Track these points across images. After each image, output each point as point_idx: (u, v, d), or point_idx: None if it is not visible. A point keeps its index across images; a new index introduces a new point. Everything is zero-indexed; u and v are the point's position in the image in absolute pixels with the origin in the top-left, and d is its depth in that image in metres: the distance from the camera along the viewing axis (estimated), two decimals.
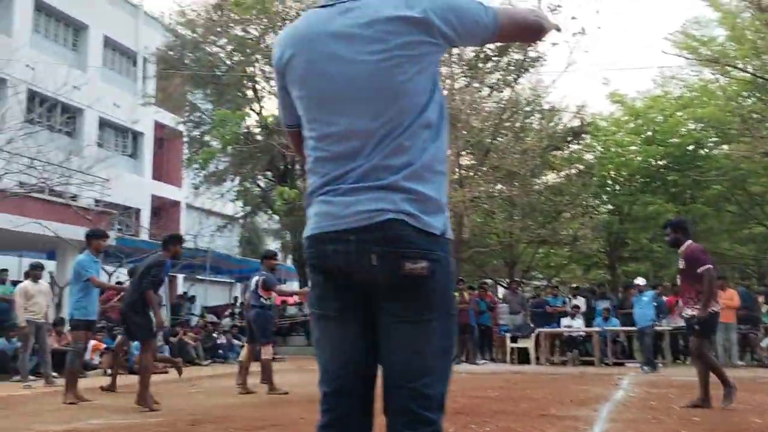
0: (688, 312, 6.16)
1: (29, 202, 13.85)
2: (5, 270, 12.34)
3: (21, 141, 12.89)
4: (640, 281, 12.70)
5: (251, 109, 19.59)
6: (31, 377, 9.75)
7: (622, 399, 7.23)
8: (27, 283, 9.90)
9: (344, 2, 1.71)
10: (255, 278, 8.32)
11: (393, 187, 1.62)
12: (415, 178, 1.64)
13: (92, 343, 11.68)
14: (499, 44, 14.98)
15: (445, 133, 1.74)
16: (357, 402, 1.71)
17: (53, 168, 14.61)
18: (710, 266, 6.04)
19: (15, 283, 12.14)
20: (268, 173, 21.38)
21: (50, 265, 14.59)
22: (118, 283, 15.26)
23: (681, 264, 6.34)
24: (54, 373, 9.98)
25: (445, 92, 15.36)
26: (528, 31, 1.84)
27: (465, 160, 17.63)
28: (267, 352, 8.04)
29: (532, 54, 16.79)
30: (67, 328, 10.95)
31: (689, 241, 6.32)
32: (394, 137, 1.64)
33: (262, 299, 8.05)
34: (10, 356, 10.30)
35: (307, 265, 1.77)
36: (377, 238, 1.61)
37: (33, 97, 17.58)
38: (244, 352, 8.83)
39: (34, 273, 9.98)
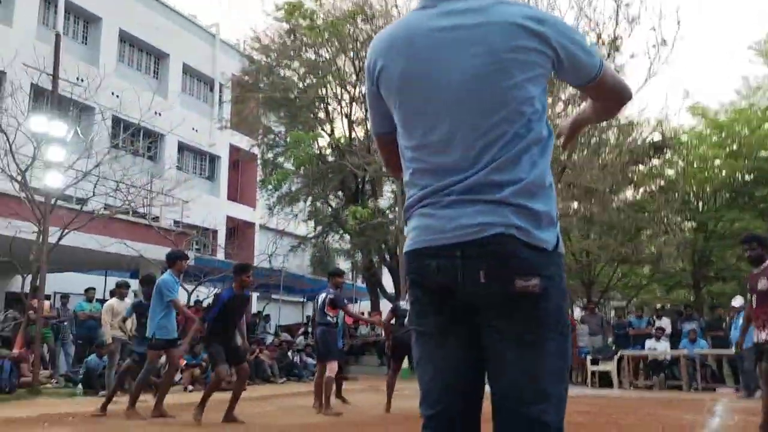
0: (763, 336, 5.66)
1: (114, 223, 14.44)
2: (92, 288, 12.85)
3: (107, 165, 13.45)
4: (737, 302, 11.96)
5: (323, 130, 19.88)
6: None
7: (720, 427, 6.77)
8: (113, 301, 10.26)
9: (447, 2, 1.62)
10: (322, 295, 8.29)
11: (502, 202, 1.52)
12: (525, 194, 1.53)
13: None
14: None
15: (551, 148, 1.64)
16: (461, 426, 1.60)
17: (137, 190, 15.19)
18: None
19: (101, 302, 12.63)
20: (340, 193, 21.61)
21: (133, 284, 15.11)
22: (197, 301, 15.70)
23: (763, 284, 5.75)
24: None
25: None
26: (620, 94, 1.76)
27: None
28: (330, 369, 7.93)
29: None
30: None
31: None
32: (500, 147, 1.54)
33: (328, 317, 8.01)
34: (98, 372, 10.66)
35: (407, 280, 1.68)
36: (485, 254, 1.51)
37: (118, 123, 18.42)
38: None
39: (120, 291, 10.32)
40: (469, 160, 1.56)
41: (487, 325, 1.56)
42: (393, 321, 8.30)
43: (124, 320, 8.76)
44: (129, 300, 10.76)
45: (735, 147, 20.91)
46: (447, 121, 1.58)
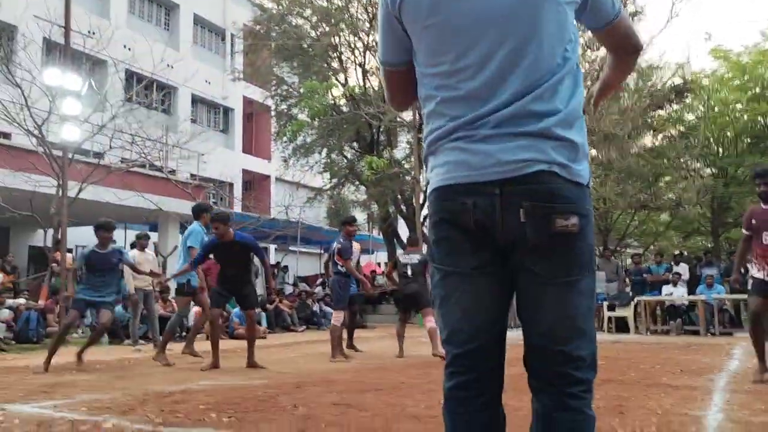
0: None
1: (132, 176, 14.53)
2: (114, 241, 12.96)
3: (122, 118, 13.46)
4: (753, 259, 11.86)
5: (337, 80, 19.64)
6: (141, 342, 10.28)
7: (739, 369, 6.80)
8: (135, 253, 10.38)
9: None
10: (334, 244, 8.32)
11: (543, 134, 1.46)
12: (565, 125, 1.48)
13: (195, 309, 12.20)
14: None
15: (582, 80, 1.58)
16: (490, 363, 1.60)
17: (152, 144, 15.23)
18: None
19: None
20: (355, 144, 21.49)
21: (153, 237, 15.29)
22: None
23: None
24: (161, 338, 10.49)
25: None
26: (633, 40, 1.70)
27: None
28: (336, 318, 8.02)
29: (629, 8, 15.87)
30: (172, 294, 11.43)
31: None
32: (541, 75, 1.47)
33: (338, 266, 8.04)
34: (121, 323, 10.89)
35: (433, 218, 1.62)
36: (526, 192, 1.46)
37: (131, 76, 18.33)
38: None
39: (140, 242, 10.43)
40: (506, 87, 1.48)
41: (523, 266, 1.53)
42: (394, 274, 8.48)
43: (75, 273, 7.78)
44: (150, 251, 10.90)
45: (757, 90, 20.40)
46: (486, 43, 1.49)
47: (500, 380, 1.63)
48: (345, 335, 9.03)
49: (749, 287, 5.78)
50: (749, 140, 21.12)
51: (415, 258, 8.75)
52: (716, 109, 20.66)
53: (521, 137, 1.46)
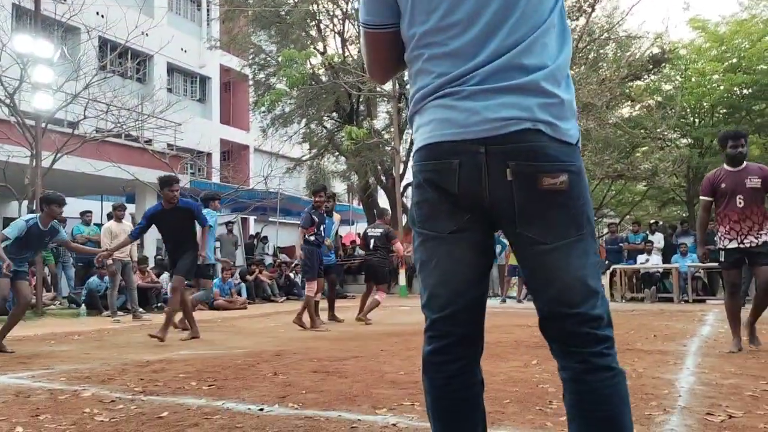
0: (763, 237, 5.26)
1: (107, 146, 14.29)
2: (89, 211, 12.83)
3: (96, 87, 13.17)
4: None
5: (315, 49, 19.40)
6: (119, 312, 10.24)
7: (711, 334, 6.96)
8: (111, 224, 10.30)
9: None
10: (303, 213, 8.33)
11: (527, 88, 1.42)
12: (552, 80, 1.44)
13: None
14: None
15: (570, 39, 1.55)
16: (468, 328, 1.59)
17: (128, 113, 14.96)
18: None
19: (99, 225, 12.67)
20: (334, 114, 21.34)
21: (130, 208, 15.12)
22: None
23: (755, 183, 5.28)
24: (140, 309, 10.48)
25: None
26: None
27: None
28: (309, 288, 8.01)
29: None
30: (150, 266, 11.37)
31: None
32: (529, 28, 1.44)
33: (306, 236, 8.01)
34: (99, 294, 10.82)
35: (416, 179, 1.57)
36: (511, 151, 1.42)
37: (105, 44, 17.91)
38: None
39: (117, 213, 10.33)
40: (494, 41, 1.44)
41: (519, 233, 1.49)
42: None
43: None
44: (127, 222, 10.79)
45: (734, 61, 20.54)
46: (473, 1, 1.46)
47: (478, 346, 1.62)
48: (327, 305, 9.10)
49: (722, 260, 5.47)
50: (725, 111, 21.33)
51: (377, 231, 8.90)
52: (693, 79, 20.78)
53: (506, 93, 1.43)
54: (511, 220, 1.48)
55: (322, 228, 8.18)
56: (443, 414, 1.60)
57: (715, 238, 5.54)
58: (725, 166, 5.44)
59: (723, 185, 5.38)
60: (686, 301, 12.83)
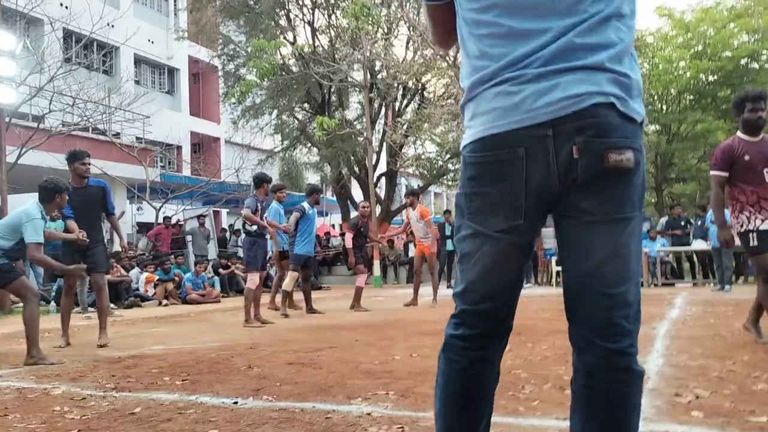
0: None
1: (74, 140, 14.03)
2: None
3: (62, 80, 12.92)
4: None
5: (285, 39, 19.23)
6: (90, 309, 10.08)
7: (680, 317, 7.11)
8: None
9: None
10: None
11: (597, 67, 1.37)
12: (616, 59, 1.40)
13: (145, 275, 12.03)
14: None
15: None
16: (498, 323, 1.55)
17: (94, 106, 14.70)
18: None
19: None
20: (306, 105, 21.20)
21: None
22: (166, 218, 15.58)
23: None
24: (111, 304, 10.32)
25: None
26: None
27: None
28: (251, 281, 7.68)
29: None
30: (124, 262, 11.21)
31: None
32: (591, 4, 1.39)
33: (248, 225, 7.79)
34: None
35: (470, 171, 1.50)
36: (580, 128, 1.37)
37: (69, 35, 17.55)
38: (286, 281, 8.99)
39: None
40: (556, 18, 1.38)
41: (570, 207, 1.44)
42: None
43: None
44: None
45: (700, 48, 20.89)
46: None
47: (503, 341, 1.59)
48: (303, 298, 9.09)
49: (752, 243, 4.57)
50: (691, 97, 21.69)
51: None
52: (660, 66, 21.09)
53: (574, 71, 1.38)
54: (566, 192, 1.43)
55: (265, 217, 8.13)
56: (451, 397, 1.56)
57: (734, 220, 4.73)
58: (741, 135, 4.67)
59: (747, 157, 4.59)
60: (655, 285, 13.06)
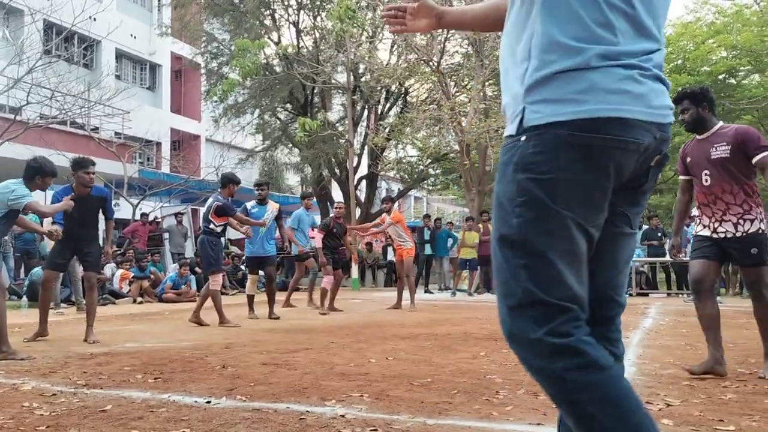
0: (745, 226, 3.99)
1: (51, 133, 13.84)
2: None
3: (41, 72, 12.75)
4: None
5: (270, 39, 19.17)
6: (62, 305, 9.95)
7: (652, 327, 7.20)
8: None
9: None
10: (209, 201, 7.62)
11: (667, 86, 1.40)
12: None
13: (120, 272, 11.89)
14: None
15: None
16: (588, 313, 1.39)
17: (73, 100, 14.51)
18: None
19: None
20: (288, 106, 21.14)
21: None
22: (143, 214, 15.43)
23: (721, 152, 3.98)
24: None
25: None
26: None
27: (490, 90, 17.22)
28: (214, 282, 7.49)
29: None
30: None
31: (721, 122, 4.19)
32: (664, 18, 1.43)
33: (212, 225, 7.49)
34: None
35: (581, 152, 1.30)
36: (665, 139, 1.40)
37: (50, 27, 17.32)
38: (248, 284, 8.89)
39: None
40: (658, 30, 1.40)
41: (615, 214, 1.42)
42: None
43: None
44: None
45: (679, 62, 21.19)
46: None
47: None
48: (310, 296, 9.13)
49: (691, 249, 4.31)
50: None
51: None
52: None
53: (665, 84, 1.40)
54: (623, 202, 1.43)
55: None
56: (627, 398, 1.28)
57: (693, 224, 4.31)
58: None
59: (689, 159, 4.26)
60: (630, 295, 13.21)
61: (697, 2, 22.03)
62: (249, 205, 8.57)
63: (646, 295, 13.39)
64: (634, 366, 4.39)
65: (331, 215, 10.01)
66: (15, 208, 5.19)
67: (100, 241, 6.64)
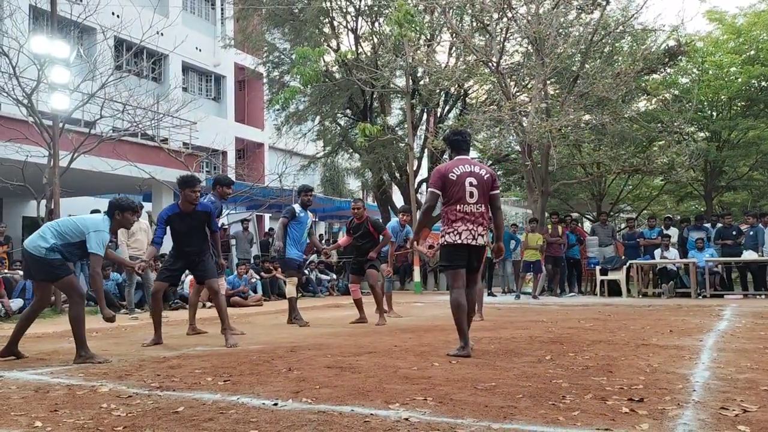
0: None
1: (124, 145, 14.43)
2: (98, 210, 12.93)
3: (112, 87, 13.29)
4: None
5: (329, 46, 19.43)
6: (137, 310, 10.35)
7: (728, 329, 6.91)
8: None
9: None
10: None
11: None
12: None
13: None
14: None
15: None
16: None
17: (143, 112, 15.07)
18: None
19: None
20: (348, 111, 21.37)
21: (147, 206, 15.26)
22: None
23: None
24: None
25: (529, 17, 14.65)
26: None
27: (551, 89, 16.91)
28: (220, 286, 7.05)
29: None
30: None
31: None
32: None
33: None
34: (114, 291, 10.93)
35: None
36: None
37: (120, 44, 18.07)
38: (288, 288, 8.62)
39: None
40: None
41: None
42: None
43: None
44: (144, 220, 10.89)
45: (752, 53, 20.26)
46: None
47: None
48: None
49: None
50: (743, 104, 21.04)
51: None
52: (710, 72, 20.51)
53: None
54: None
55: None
56: None
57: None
58: None
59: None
60: (704, 296, 12.72)
61: None
62: (297, 208, 8.26)
63: (721, 296, 12.85)
64: (709, 370, 4.23)
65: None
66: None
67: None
